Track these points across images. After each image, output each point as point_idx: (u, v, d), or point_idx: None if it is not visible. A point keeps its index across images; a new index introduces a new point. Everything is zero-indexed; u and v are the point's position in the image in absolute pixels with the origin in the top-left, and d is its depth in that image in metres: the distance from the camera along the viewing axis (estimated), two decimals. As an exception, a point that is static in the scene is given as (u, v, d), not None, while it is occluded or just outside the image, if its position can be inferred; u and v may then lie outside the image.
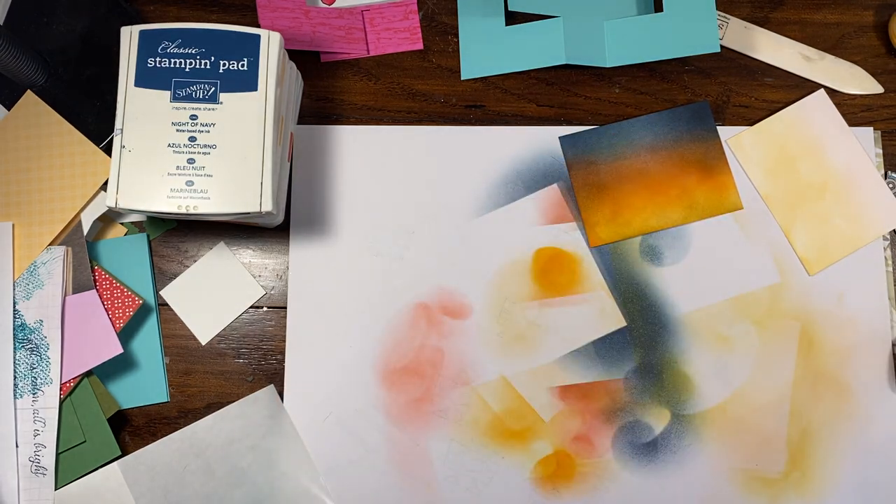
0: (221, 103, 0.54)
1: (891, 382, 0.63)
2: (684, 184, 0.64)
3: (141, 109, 0.54)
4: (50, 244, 0.62)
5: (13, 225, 0.62)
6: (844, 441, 0.62)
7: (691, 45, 0.63)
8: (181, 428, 0.61)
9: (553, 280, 0.63)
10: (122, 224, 0.64)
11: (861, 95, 0.66)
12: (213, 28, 0.55)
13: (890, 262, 0.64)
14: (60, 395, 0.60)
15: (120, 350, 0.60)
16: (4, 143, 0.63)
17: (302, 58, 0.66)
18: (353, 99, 0.66)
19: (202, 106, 0.54)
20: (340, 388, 0.62)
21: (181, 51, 0.54)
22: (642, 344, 0.63)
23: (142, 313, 0.63)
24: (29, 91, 0.63)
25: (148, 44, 0.55)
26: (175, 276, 0.64)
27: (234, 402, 0.61)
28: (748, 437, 0.62)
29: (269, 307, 0.64)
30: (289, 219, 0.64)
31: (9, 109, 0.63)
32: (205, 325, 0.63)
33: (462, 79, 0.66)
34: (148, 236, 0.64)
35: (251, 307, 0.64)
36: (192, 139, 0.54)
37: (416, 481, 0.62)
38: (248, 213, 0.54)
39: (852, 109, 0.66)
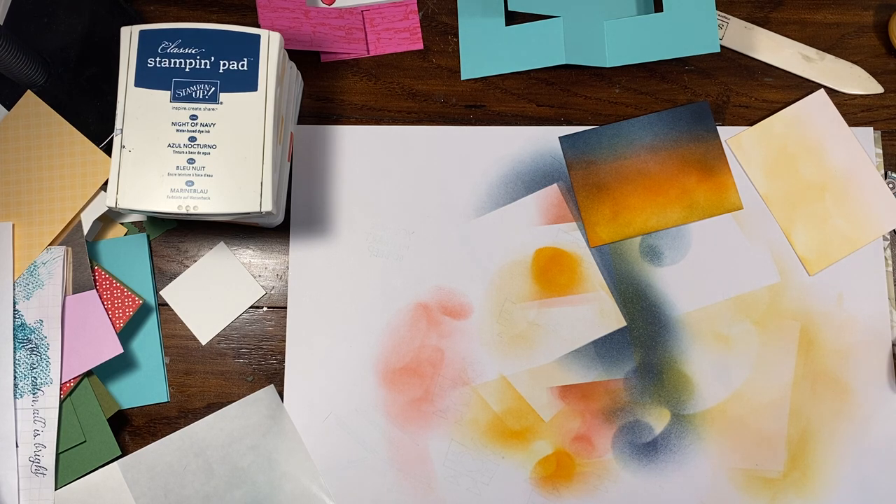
0: (221, 103, 0.54)
1: (891, 382, 0.63)
2: (684, 184, 0.64)
3: (141, 109, 0.54)
4: (50, 244, 0.62)
5: (13, 225, 0.62)
6: (844, 441, 0.62)
7: (691, 45, 0.63)
8: (181, 428, 0.61)
9: (553, 280, 0.63)
10: (122, 224, 0.64)
11: (861, 95, 0.66)
12: (213, 28, 0.55)
13: (890, 262, 0.64)
14: (60, 395, 0.60)
15: (120, 350, 0.60)
16: (4, 143, 0.63)
17: (302, 58, 0.66)
18: (353, 99, 0.66)
19: (202, 106, 0.54)
20: (340, 388, 0.62)
21: (181, 51, 0.54)
22: (642, 344, 0.63)
23: (142, 313, 0.63)
24: (29, 91, 0.63)
25: (148, 44, 0.55)
26: (175, 276, 0.64)
27: (234, 402, 0.62)
28: (748, 437, 0.62)
29: (269, 307, 0.64)
30: (289, 219, 0.64)
31: (9, 109, 0.63)
32: (205, 325, 0.63)
33: (462, 79, 0.66)
34: (148, 236, 0.64)
35: (251, 307, 0.64)
36: (192, 139, 0.54)
37: (416, 481, 0.62)
38: (248, 213, 0.54)
39: (852, 109, 0.66)
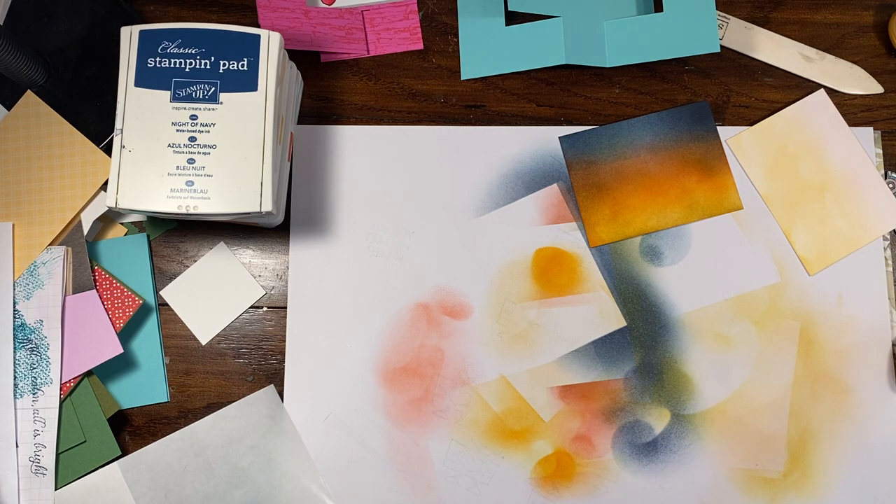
0: (221, 103, 0.54)
1: (891, 382, 0.63)
2: (684, 184, 0.64)
3: (141, 109, 0.54)
4: (50, 244, 0.62)
5: (13, 225, 0.62)
6: (844, 441, 0.62)
7: (691, 45, 0.63)
8: (181, 428, 0.61)
9: (553, 280, 0.63)
10: (122, 224, 0.64)
11: (861, 95, 0.66)
12: (213, 28, 0.55)
13: (890, 262, 0.64)
14: (60, 395, 0.60)
15: (120, 350, 0.60)
16: (4, 143, 0.63)
17: (302, 58, 0.66)
18: (353, 99, 0.66)
19: (202, 106, 0.54)
20: (340, 388, 0.62)
21: (181, 51, 0.54)
22: (642, 344, 0.63)
23: (142, 313, 0.63)
24: (29, 91, 0.63)
25: (148, 44, 0.55)
26: (175, 276, 0.64)
27: (234, 402, 0.62)
28: (748, 437, 0.62)
29: (269, 307, 0.64)
30: (289, 219, 0.64)
31: (9, 109, 0.63)
32: (205, 325, 0.63)
33: (462, 79, 0.66)
34: (148, 236, 0.64)
35: (251, 307, 0.64)
36: (192, 139, 0.54)
37: (416, 481, 0.62)
38: (248, 213, 0.54)
39: (852, 109, 0.66)
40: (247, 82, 0.54)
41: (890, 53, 0.67)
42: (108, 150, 0.63)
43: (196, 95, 0.54)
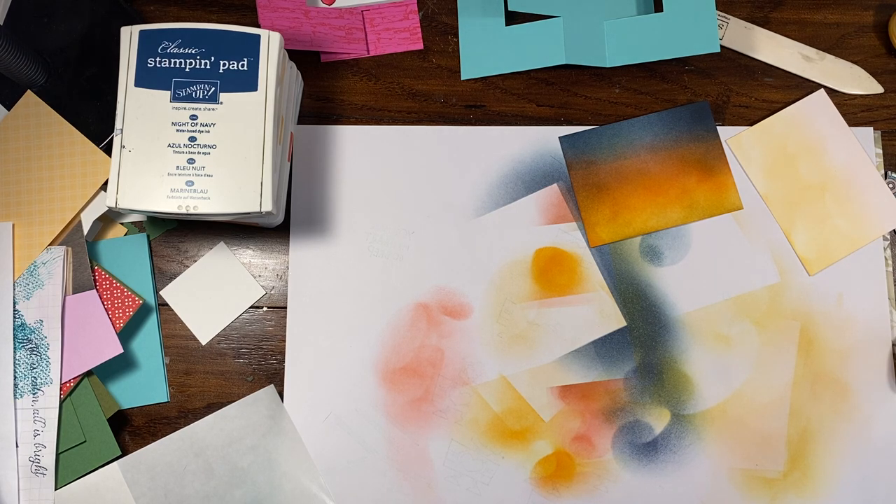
0: (221, 103, 0.54)
1: (891, 382, 0.63)
2: (684, 184, 0.65)
3: (141, 109, 0.54)
4: (50, 244, 0.62)
5: (13, 225, 0.62)
6: (844, 441, 0.62)
7: (691, 45, 0.63)
8: (181, 428, 0.61)
9: (553, 280, 0.63)
10: (122, 224, 0.64)
11: (861, 95, 0.66)
12: (213, 28, 0.55)
13: (890, 262, 0.64)
14: (60, 395, 0.60)
15: (120, 350, 0.60)
16: (4, 143, 0.63)
17: (302, 58, 0.66)
18: (353, 99, 0.66)
19: (202, 106, 0.54)
20: (340, 388, 0.62)
21: (181, 51, 0.54)
22: (642, 344, 0.63)
23: (142, 313, 0.63)
24: (29, 91, 0.63)
25: (148, 44, 0.55)
26: (175, 276, 0.64)
27: (234, 402, 0.62)
28: (748, 437, 0.62)
29: (269, 307, 0.64)
30: (289, 219, 0.64)
31: (9, 109, 0.63)
32: (205, 325, 0.63)
33: (462, 79, 0.66)
34: (148, 236, 0.64)
35: (251, 307, 0.64)
36: (192, 139, 0.54)
37: (416, 481, 0.62)
38: (248, 213, 0.54)
39: (852, 109, 0.66)
40: (247, 82, 0.54)
41: (890, 53, 0.67)
42: (108, 150, 0.63)
43: (196, 95, 0.54)
